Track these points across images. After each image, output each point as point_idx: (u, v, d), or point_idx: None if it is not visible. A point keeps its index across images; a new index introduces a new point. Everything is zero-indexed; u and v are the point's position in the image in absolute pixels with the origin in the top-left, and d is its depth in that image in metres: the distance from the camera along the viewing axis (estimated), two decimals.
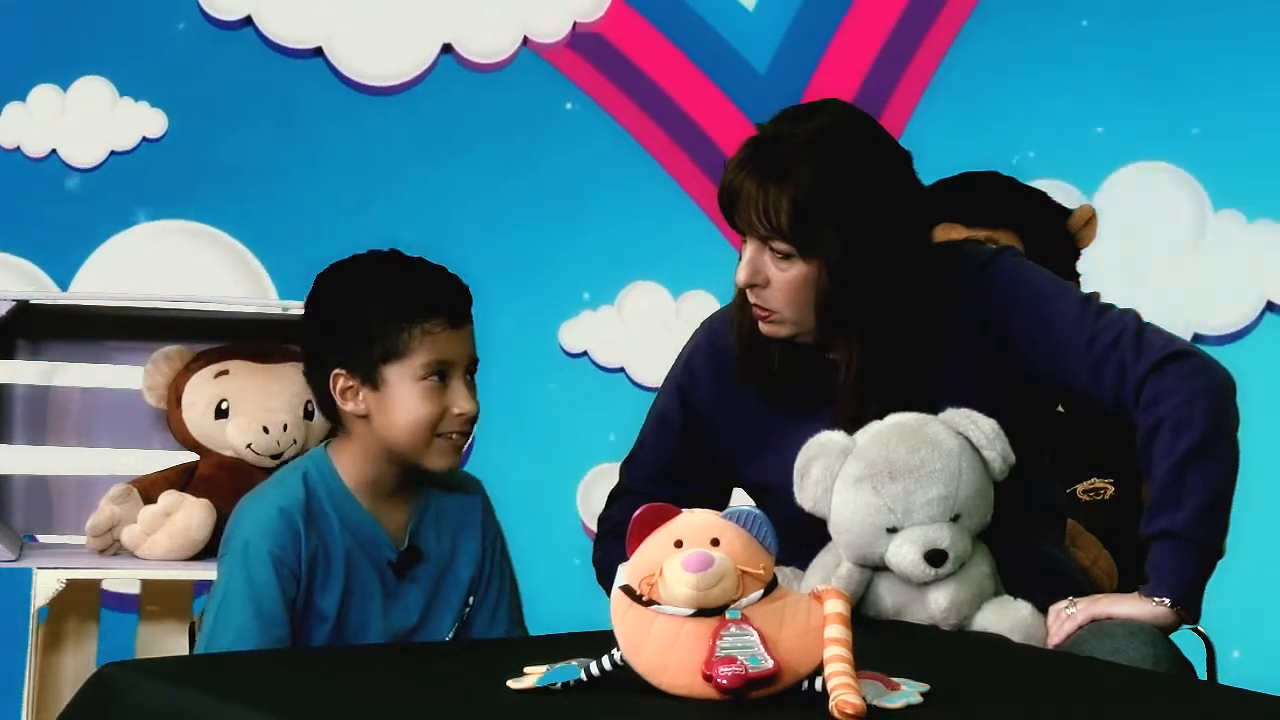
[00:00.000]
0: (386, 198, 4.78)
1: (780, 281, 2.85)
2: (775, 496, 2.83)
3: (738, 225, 2.86)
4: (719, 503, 2.88)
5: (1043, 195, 3.58)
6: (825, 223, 2.81)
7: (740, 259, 2.87)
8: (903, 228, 2.87)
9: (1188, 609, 2.74)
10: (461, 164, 4.81)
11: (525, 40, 4.84)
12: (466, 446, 2.97)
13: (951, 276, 2.90)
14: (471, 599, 3.00)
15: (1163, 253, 4.79)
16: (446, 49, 4.83)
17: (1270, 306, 4.82)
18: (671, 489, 2.89)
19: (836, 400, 2.88)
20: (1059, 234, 3.51)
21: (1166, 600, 2.72)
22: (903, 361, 2.86)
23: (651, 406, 3.10)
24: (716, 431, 3.01)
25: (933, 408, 2.79)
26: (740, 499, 2.95)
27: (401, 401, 2.87)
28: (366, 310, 2.88)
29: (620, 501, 3.07)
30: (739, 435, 2.98)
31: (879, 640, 2.41)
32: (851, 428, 2.80)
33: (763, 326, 2.90)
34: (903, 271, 2.85)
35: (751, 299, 2.88)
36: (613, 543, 2.97)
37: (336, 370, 2.89)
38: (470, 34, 4.85)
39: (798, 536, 2.74)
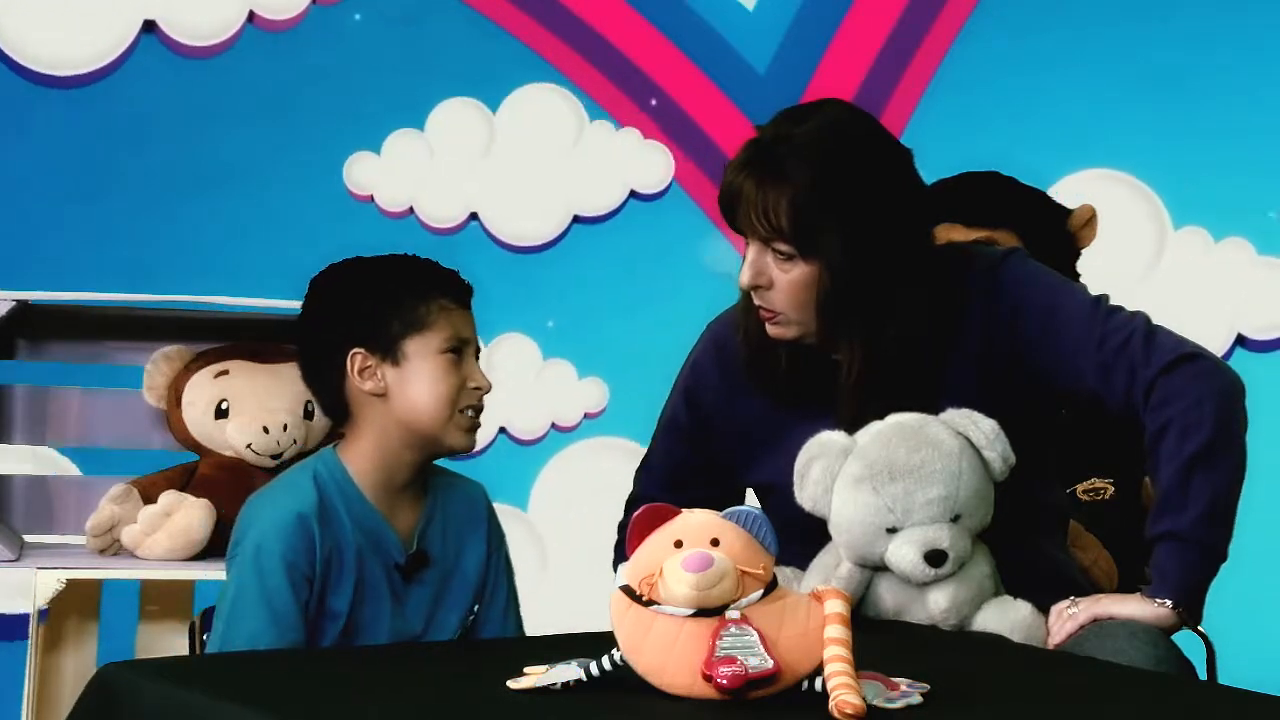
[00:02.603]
0: (86, 217, 4.19)
1: (783, 283, 2.84)
2: (780, 497, 2.83)
3: (739, 227, 2.86)
4: (730, 506, 2.87)
5: (1043, 195, 3.58)
6: (825, 222, 2.80)
7: (743, 261, 2.87)
8: (903, 227, 2.86)
9: (1190, 611, 2.73)
10: (181, 166, 4.19)
11: (251, 15, 4.20)
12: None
13: (958, 277, 2.90)
14: (477, 606, 3.00)
15: (1113, 275, 4.16)
16: (149, 28, 4.16)
17: (1241, 341, 4.44)
18: (683, 493, 2.86)
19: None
20: (1059, 234, 3.51)
21: (1169, 602, 2.72)
22: (904, 362, 2.85)
23: (661, 414, 3.10)
24: (723, 432, 3.00)
25: (935, 408, 2.79)
26: (754, 502, 2.95)
27: (422, 376, 2.90)
28: (388, 286, 2.93)
29: (635, 509, 3.05)
30: (745, 436, 2.98)
31: (879, 640, 2.41)
32: (853, 428, 2.80)
33: (770, 329, 2.89)
34: (903, 271, 2.85)
35: (756, 301, 2.88)
36: None
37: (355, 349, 2.91)
38: (178, 10, 4.15)
39: (802, 537, 2.74)
